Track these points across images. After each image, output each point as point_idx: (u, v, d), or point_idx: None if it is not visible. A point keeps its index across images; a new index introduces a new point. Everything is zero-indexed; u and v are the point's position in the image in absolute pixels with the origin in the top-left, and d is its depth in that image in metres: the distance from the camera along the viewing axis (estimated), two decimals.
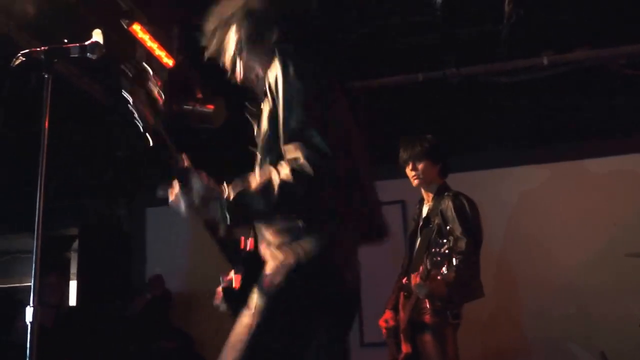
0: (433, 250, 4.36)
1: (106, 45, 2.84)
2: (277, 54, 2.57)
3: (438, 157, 4.98)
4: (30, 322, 2.52)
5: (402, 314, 4.84)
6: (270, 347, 2.49)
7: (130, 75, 2.38)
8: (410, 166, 4.98)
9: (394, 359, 4.89)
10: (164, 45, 5.37)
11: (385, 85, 6.31)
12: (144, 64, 2.44)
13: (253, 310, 2.51)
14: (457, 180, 5.08)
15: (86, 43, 2.77)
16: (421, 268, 4.48)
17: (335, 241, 2.53)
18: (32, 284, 2.56)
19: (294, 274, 2.49)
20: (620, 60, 6.30)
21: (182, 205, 2.48)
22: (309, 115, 2.42)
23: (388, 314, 5.01)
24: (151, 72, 2.45)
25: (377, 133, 6.02)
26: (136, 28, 5.06)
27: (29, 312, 2.52)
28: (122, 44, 4.95)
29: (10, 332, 5.88)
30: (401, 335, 4.78)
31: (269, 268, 2.55)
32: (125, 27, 4.98)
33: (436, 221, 4.78)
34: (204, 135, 6.25)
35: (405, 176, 5.19)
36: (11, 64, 2.78)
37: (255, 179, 2.43)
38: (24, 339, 2.56)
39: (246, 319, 2.51)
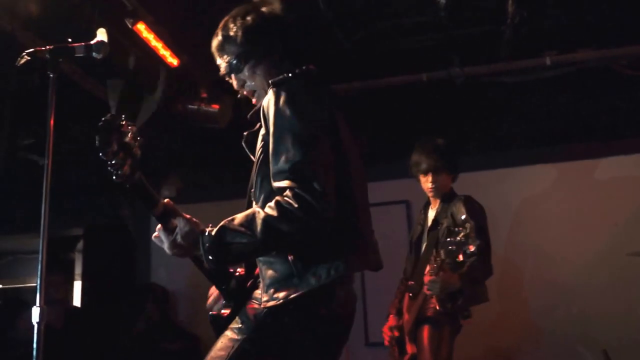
0: (448, 239, 4.38)
1: (110, 44, 2.84)
2: (271, 86, 2.56)
3: (456, 168, 5.02)
4: (37, 323, 2.50)
5: (406, 316, 4.84)
6: None
7: (106, 132, 2.29)
8: (429, 177, 4.97)
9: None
10: (168, 44, 5.35)
11: (390, 85, 6.30)
12: (121, 118, 2.34)
13: (235, 334, 2.60)
14: (461, 181, 5.08)
15: (91, 42, 2.76)
16: (428, 267, 4.50)
17: (327, 287, 2.48)
18: (37, 284, 2.55)
19: (279, 312, 2.48)
20: (623, 60, 6.30)
21: (165, 246, 2.49)
22: (301, 150, 2.37)
23: (392, 321, 5.01)
24: (123, 119, 2.36)
25: (381, 133, 6.03)
26: (140, 27, 5.02)
27: (35, 312, 2.50)
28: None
29: (12, 331, 5.88)
30: (406, 337, 4.79)
31: (261, 300, 2.57)
32: (130, 26, 4.94)
33: (445, 224, 4.79)
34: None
35: (410, 176, 5.21)
36: (16, 63, 2.78)
37: (239, 215, 2.40)
38: (26, 338, 2.56)
39: (227, 340, 2.60)
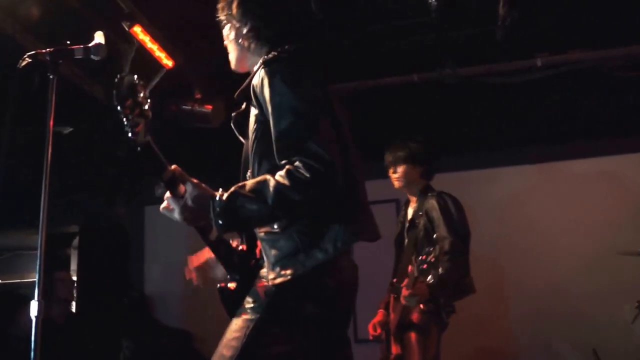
0: (420, 258, 4.38)
1: (108, 47, 2.91)
2: (263, 65, 2.58)
3: (419, 160, 5.04)
4: (35, 316, 2.53)
5: (392, 316, 4.87)
6: (264, 347, 2.52)
7: (125, 86, 2.36)
8: (391, 170, 5.09)
9: (384, 357, 4.91)
10: (163, 46, 5.41)
11: (382, 85, 6.35)
12: (136, 78, 2.40)
13: (249, 315, 2.54)
14: (451, 180, 5.16)
15: (90, 45, 2.82)
16: (406, 280, 4.50)
17: (333, 259, 2.51)
18: (37, 279, 2.58)
19: (289, 288, 2.51)
20: (614, 62, 6.33)
21: (176, 212, 2.48)
22: (304, 123, 2.41)
23: (379, 316, 5.03)
24: (137, 79, 2.42)
25: (372, 132, 6.08)
26: (137, 30, 5.10)
27: (34, 306, 2.54)
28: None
29: (12, 325, 5.94)
30: (391, 337, 4.81)
31: (268, 278, 2.57)
32: (127, 29, 5.03)
33: (422, 222, 4.85)
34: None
35: None
36: (18, 65, 2.83)
37: (250, 182, 2.41)
38: (26, 332, 2.60)
39: (241, 321, 2.55)
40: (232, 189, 2.41)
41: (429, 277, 4.26)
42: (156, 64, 5.42)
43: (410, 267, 4.54)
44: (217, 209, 2.38)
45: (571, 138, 6.55)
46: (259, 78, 2.56)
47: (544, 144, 6.61)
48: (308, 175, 2.29)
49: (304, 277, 2.49)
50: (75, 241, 8.37)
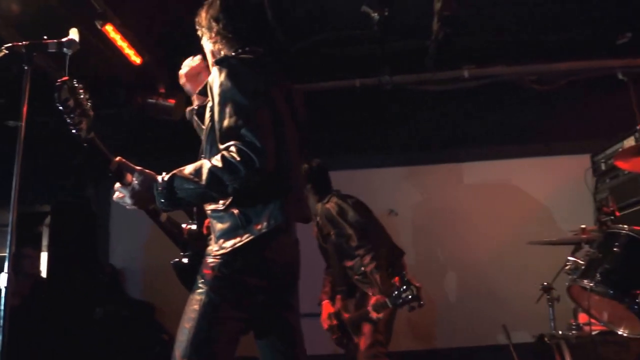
0: (355, 277, 4.58)
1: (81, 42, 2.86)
2: (214, 64, 2.68)
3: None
4: (4, 287, 2.50)
5: (346, 315, 4.81)
6: (217, 316, 2.58)
7: (66, 89, 2.42)
8: None
9: (340, 343, 4.89)
10: (132, 44, 5.36)
11: (327, 89, 6.38)
12: (75, 80, 2.46)
13: (202, 289, 2.59)
14: (385, 175, 5.14)
15: (63, 39, 2.76)
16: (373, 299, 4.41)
17: (270, 235, 2.59)
18: (7, 253, 2.55)
19: (232, 260, 2.58)
20: (529, 77, 6.50)
21: (126, 198, 2.54)
22: (241, 114, 2.48)
23: (328, 308, 4.93)
24: (76, 81, 2.48)
25: (316, 130, 6.08)
26: (108, 28, 5.07)
27: (3, 278, 2.50)
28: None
29: None
30: (350, 331, 4.75)
31: (212, 252, 2.65)
32: (99, 27, 4.98)
33: (333, 234, 4.78)
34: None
35: (340, 167, 5.30)
36: None
37: (190, 165, 2.48)
38: None
39: (196, 295, 2.60)
40: (173, 171, 2.49)
41: (371, 289, 4.35)
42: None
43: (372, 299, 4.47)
44: (159, 189, 2.46)
45: (487, 141, 6.64)
46: (212, 75, 2.66)
47: (470, 146, 6.68)
48: (239, 159, 2.37)
49: (245, 251, 2.57)
50: (47, 220, 8.22)
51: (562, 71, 6.44)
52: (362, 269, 4.54)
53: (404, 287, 4.12)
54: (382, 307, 4.28)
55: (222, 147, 2.47)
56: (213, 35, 2.86)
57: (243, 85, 2.56)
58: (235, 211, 2.60)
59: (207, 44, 2.94)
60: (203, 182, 2.42)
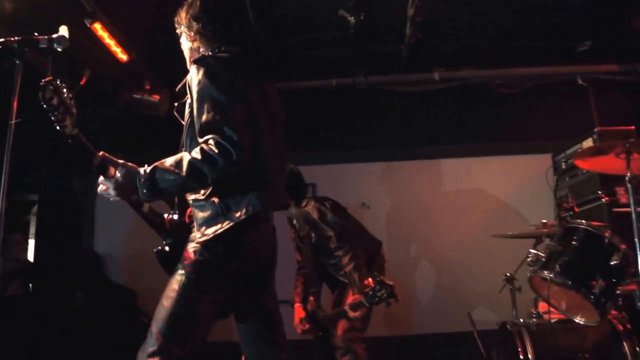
0: (340, 274, 4.55)
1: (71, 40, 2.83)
2: (193, 63, 2.70)
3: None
4: None
5: (321, 314, 4.76)
6: (195, 297, 2.60)
7: (50, 89, 2.42)
8: None
9: (318, 340, 4.82)
10: (120, 42, 5.32)
11: (305, 87, 6.38)
12: (58, 80, 2.47)
13: (182, 271, 2.62)
14: (356, 170, 5.11)
15: (54, 36, 2.75)
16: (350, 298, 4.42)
17: (249, 222, 2.63)
18: None
19: (213, 247, 2.61)
20: (495, 80, 6.58)
21: (110, 190, 2.56)
22: (219, 110, 2.50)
23: (300, 312, 4.87)
24: (59, 81, 2.48)
25: (294, 126, 6.07)
26: (97, 27, 5.04)
27: None
28: None
29: None
30: (327, 328, 4.69)
31: (195, 238, 2.67)
32: (88, 25, 4.95)
33: (312, 233, 4.76)
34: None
35: (317, 162, 5.27)
36: None
37: (170, 158, 2.51)
38: None
39: (177, 276, 2.62)
40: (155, 164, 2.51)
41: (355, 289, 4.30)
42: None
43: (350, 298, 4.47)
44: (141, 181, 2.49)
45: (456, 140, 6.66)
46: (190, 73, 2.67)
47: (440, 144, 6.69)
48: (217, 151, 2.40)
49: (225, 237, 2.60)
50: (35, 208, 8.14)
51: (526, 76, 6.56)
52: (343, 268, 4.53)
53: (378, 286, 4.13)
54: (358, 306, 4.29)
55: (201, 140, 2.48)
56: (192, 34, 2.87)
57: (220, 83, 2.59)
58: (216, 200, 2.63)
59: (186, 43, 2.96)
60: (183, 174, 2.44)
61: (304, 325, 4.80)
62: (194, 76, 2.63)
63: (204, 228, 2.64)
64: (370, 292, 4.16)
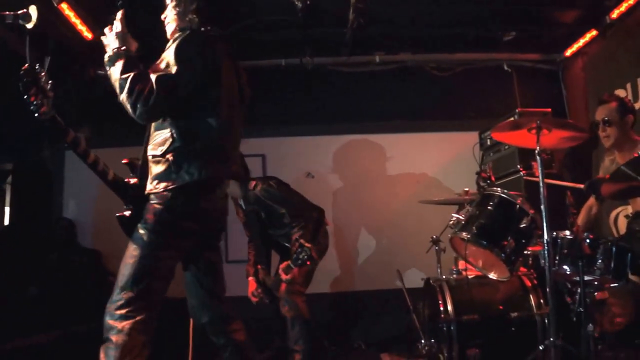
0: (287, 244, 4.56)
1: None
2: (170, 38, 2.90)
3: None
4: None
5: (268, 282, 4.79)
6: (156, 254, 2.69)
7: (28, 77, 2.51)
8: None
9: (270, 300, 4.81)
10: (85, 21, 5.26)
11: (256, 67, 6.29)
12: (37, 66, 2.56)
13: (142, 230, 2.70)
14: (303, 144, 5.10)
15: (19, 12, 2.71)
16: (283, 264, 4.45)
17: (202, 184, 2.71)
18: None
19: (167, 206, 2.70)
20: (429, 64, 6.64)
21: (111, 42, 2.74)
22: (177, 67, 2.64)
23: (253, 285, 4.87)
24: (38, 68, 2.57)
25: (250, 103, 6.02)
26: (64, 6, 4.98)
27: None
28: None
29: None
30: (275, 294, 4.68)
31: (150, 191, 2.76)
32: (55, 4, 4.87)
33: (261, 212, 4.71)
34: None
35: (267, 135, 5.24)
36: None
37: (141, 67, 2.67)
38: None
39: (138, 235, 2.71)
40: (132, 56, 2.71)
41: (299, 261, 4.24)
42: None
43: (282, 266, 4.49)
44: (115, 50, 2.69)
45: (394, 117, 6.63)
46: (176, 40, 2.79)
47: (380, 120, 6.64)
48: (149, 86, 2.56)
49: (178, 196, 2.68)
50: (10, 177, 7.97)
51: (457, 61, 6.63)
52: (292, 237, 4.50)
53: (299, 249, 4.16)
54: (288, 268, 4.34)
55: (152, 76, 2.59)
56: (192, 8, 2.92)
57: (181, 53, 2.68)
58: (170, 158, 2.69)
59: (173, 14, 2.98)
60: (125, 76, 2.57)
61: (258, 293, 4.83)
62: (170, 46, 2.77)
63: (156, 182, 2.71)
64: (294, 255, 4.20)
